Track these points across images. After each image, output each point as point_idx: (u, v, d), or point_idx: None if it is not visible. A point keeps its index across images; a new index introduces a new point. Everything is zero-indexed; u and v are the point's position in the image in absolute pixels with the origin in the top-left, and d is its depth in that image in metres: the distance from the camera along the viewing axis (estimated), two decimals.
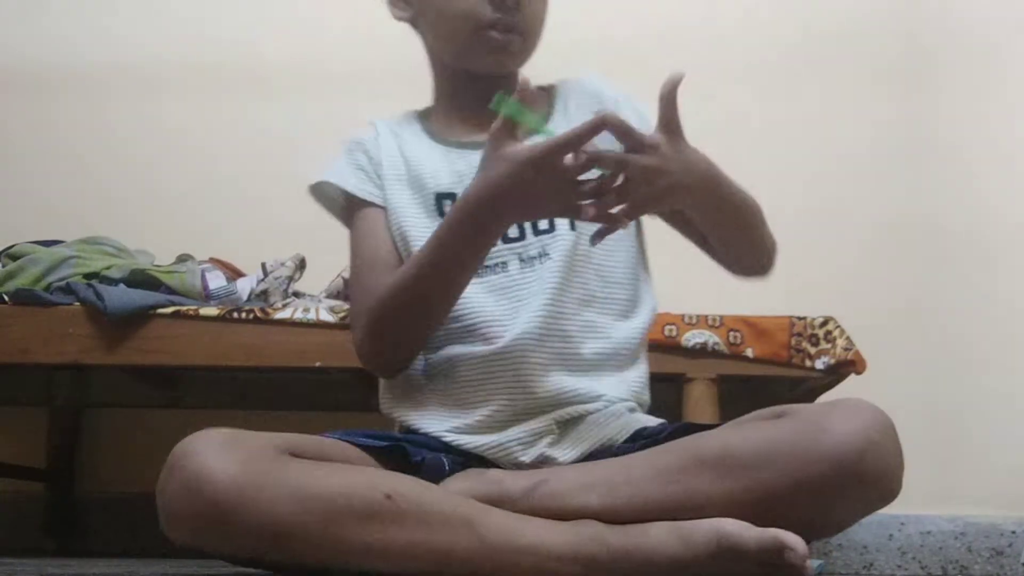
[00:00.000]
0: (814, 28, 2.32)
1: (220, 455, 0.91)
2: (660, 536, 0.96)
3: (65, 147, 2.38)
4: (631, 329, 1.21)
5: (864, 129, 2.29)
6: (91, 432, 2.23)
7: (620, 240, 1.22)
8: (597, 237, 1.06)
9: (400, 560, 0.92)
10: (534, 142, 1.02)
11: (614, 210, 1.01)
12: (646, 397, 1.23)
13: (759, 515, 0.94)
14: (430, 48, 1.29)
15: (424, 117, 1.32)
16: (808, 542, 0.97)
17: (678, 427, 1.10)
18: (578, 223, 1.19)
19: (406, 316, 1.14)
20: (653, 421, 1.17)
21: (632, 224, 1.24)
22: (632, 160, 1.00)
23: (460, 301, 1.16)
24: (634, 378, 1.21)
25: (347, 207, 1.27)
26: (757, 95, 2.29)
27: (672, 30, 2.30)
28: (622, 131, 1.00)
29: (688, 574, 0.94)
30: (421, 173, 1.24)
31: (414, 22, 1.28)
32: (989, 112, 2.28)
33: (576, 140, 0.99)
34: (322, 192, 1.29)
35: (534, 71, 1.30)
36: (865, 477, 0.94)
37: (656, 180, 1.01)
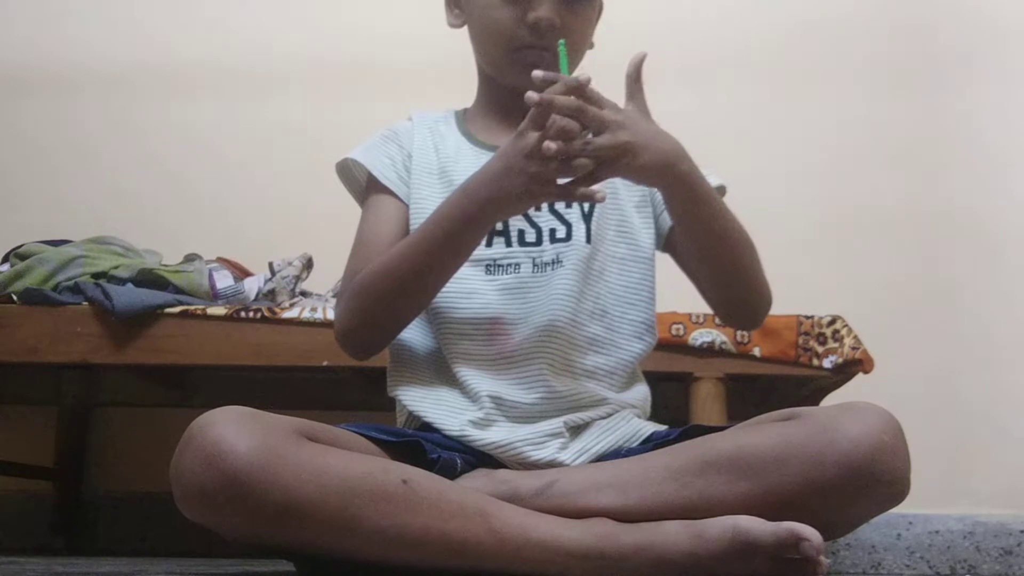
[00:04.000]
0: (827, 22, 2.32)
1: (239, 429, 0.91)
2: (673, 533, 0.96)
3: (71, 147, 2.39)
4: (634, 351, 1.22)
5: (876, 126, 2.28)
6: (99, 431, 2.23)
7: (636, 261, 1.23)
8: (579, 190, 1.06)
9: (412, 547, 0.92)
10: None
11: (577, 163, 1.03)
12: (648, 410, 1.23)
13: (771, 517, 0.94)
14: (475, 55, 1.30)
15: (462, 117, 1.33)
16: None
17: (688, 429, 1.10)
18: (594, 238, 1.20)
19: (387, 295, 1.15)
20: (661, 427, 1.18)
21: (648, 249, 1.25)
22: (589, 110, 1.03)
23: (470, 297, 1.17)
24: (636, 393, 1.22)
25: (367, 189, 1.29)
26: (764, 89, 2.29)
27: (684, 22, 2.30)
28: (589, 95, 1.04)
29: (702, 571, 0.94)
30: (449, 168, 1.26)
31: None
32: (1001, 105, 2.27)
33: (546, 105, 1.03)
34: (347, 172, 1.30)
35: None
36: (877, 479, 0.94)
37: (617, 133, 1.03)
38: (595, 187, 1.05)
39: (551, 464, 1.11)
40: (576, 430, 1.15)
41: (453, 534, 0.93)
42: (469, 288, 1.18)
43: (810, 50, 2.31)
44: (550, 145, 1.01)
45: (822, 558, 0.91)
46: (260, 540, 0.93)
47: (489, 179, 1.08)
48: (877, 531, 2.08)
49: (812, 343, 1.70)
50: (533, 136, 1.03)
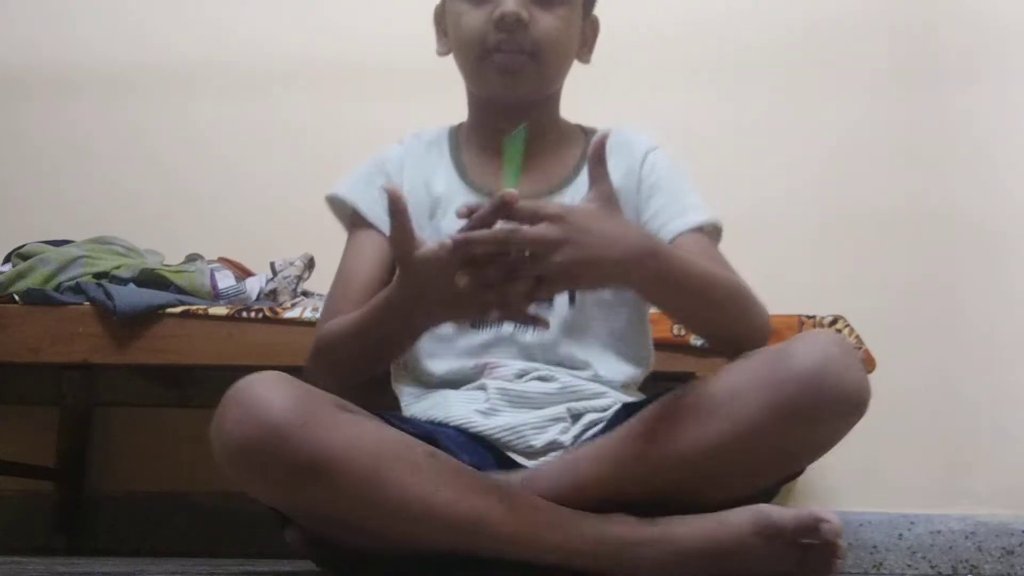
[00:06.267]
0: (827, 22, 2.31)
1: (280, 388, 0.94)
2: (694, 521, 0.96)
3: (73, 147, 2.39)
4: (627, 378, 1.21)
5: (878, 126, 2.28)
6: (101, 431, 2.23)
7: (623, 304, 1.21)
8: (530, 322, 0.97)
9: (435, 520, 0.93)
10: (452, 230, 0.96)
11: (512, 291, 0.94)
12: None
13: (741, 452, 0.96)
14: (461, 73, 1.28)
15: (455, 140, 1.29)
16: (798, 474, 1.02)
17: (657, 395, 1.10)
18: (577, 296, 1.18)
19: (343, 365, 1.14)
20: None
21: None
22: (518, 235, 0.93)
23: (447, 343, 1.18)
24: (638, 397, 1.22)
25: (351, 223, 1.27)
26: (771, 91, 2.29)
27: (683, 21, 2.30)
28: (519, 214, 0.94)
29: (722, 556, 0.95)
30: (439, 211, 1.24)
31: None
32: (1002, 105, 2.27)
33: (473, 230, 0.94)
34: (336, 203, 1.29)
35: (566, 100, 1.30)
36: (832, 388, 0.95)
37: (558, 252, 0.93)
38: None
39: (551, 446, 1.10)
40: (577, 416, 1.15)
41: (475, 509, 0.94)
42: (447, 335, 1.19)
43: (809, 51, 2.31)
44: (460, 280, 0.94)
45: (840, 541, 0.91)
46: (292, 501, 0.95)
47: (418, 306, 1.01)
48: (879, 531, 2.08)
49: None
50: (460, 280, 0.94)
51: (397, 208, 0.95)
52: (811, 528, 0.92)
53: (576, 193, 1.19)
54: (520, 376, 1.16)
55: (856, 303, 1.88)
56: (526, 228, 0.93)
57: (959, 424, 2.14)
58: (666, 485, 0.98)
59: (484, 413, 1.14)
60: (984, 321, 2.19)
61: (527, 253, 0.93)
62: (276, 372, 0.97)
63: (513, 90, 1.21)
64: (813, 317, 1.71)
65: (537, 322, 0.97)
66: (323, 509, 0.94)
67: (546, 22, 1.18)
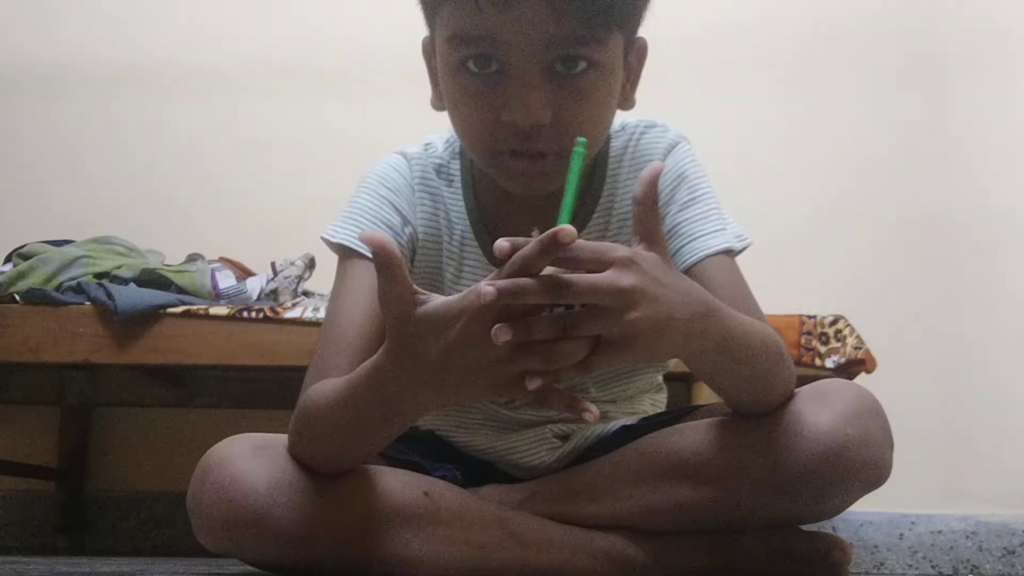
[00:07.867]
0: (829, 25, 2.31)
1: (254, 461, 0.89)
2: (703, 542, 0.95)
3: (75, 148, 2.39)
4: (639, 409, 1.15)
5: (878, 128, 2.28)
6: (102, 431, 2.23)
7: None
8: (575, 408, 0.74)
9: (437, 556, 0.91)
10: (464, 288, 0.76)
11: (559, 350, 0.72)
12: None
13: (741, 517, 0.94)
14: None
15: (468, 172, 1.07)
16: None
17: (651, 419, 1.08)
18: None
19: (320, 446, 0.91)
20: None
21: None
22: (586, 283, 0.71)
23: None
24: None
25: (345, 253, 1.06)
26: (772, 92, 2.29)
27: (688, 26, 2.29)
28: (578, 256, 0.72)
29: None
30: (451, 287, 1.08)
31: None
32: (1004, 111, 2.27)
33: (515, 275, 0.71)
34: (335, 246, 1.09)
35: None
36: (846, 472, 0.89)
37: (636, 306, 0.72)
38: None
39: (542, 466, 1.08)
40: (565, 437, 1.11)
41: (476, 540, 0.92)
42: None
43: (812, 52, 2.31)
44: (499, 336, 0.70)
45: (848, 566, 0.92)
46: (278, 566, 0.92)
47: (418, 380, 0.78)
48: (879, 531, 2.08)
49: (815, 343, 1.70)
50: (499, 334, 0.70)
51: (388, 260, 0.74)
52: (821, 552, 0.92)
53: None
54: (509, 402, 1.10)
55: (856, 303, 1.88)
56: (592, 275, 0.72)
57: (959, 424, 2.14)
58: (669, 527, 0.96)
59: (467, 429, 1.11)
60: (984, 321, 2.19)
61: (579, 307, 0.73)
62: (249, 441, 0.92)
63: (537, 191, 0.96)
64: (813, 317, 1.71)
65: (583, 411, 0.74)
66: (312, 571, 0.92)
67: (575, 109, 0.92)
